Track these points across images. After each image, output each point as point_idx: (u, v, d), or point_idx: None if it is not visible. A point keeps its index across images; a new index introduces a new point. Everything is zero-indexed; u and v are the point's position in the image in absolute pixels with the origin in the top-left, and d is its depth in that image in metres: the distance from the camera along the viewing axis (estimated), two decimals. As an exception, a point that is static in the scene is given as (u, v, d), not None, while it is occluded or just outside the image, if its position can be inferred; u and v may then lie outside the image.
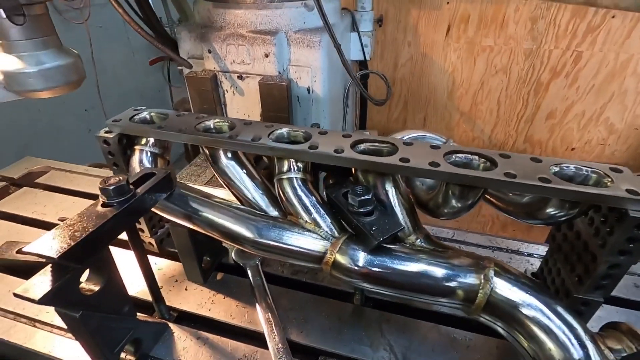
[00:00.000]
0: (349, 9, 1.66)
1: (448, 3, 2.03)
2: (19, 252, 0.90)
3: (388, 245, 0.64)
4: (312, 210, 0.68)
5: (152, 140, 0.81)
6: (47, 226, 1.06)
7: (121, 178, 0.61)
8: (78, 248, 0.52)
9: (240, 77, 1.44)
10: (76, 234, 0.53)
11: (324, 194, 0.73)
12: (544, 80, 2.12)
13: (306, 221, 0.68)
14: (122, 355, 0.68)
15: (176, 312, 0.82)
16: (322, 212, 0.68)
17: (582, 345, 0.54)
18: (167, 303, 0.81)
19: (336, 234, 0.67)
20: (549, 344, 0.55)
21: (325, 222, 0.67)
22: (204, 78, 1.44)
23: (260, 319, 0.78)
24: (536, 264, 0.90)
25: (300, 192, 0.70)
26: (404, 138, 0.73)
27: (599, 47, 1.93)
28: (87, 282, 0.58)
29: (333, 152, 0.66)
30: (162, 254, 0.96)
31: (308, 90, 1.42)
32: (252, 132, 0.73)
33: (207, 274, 0.88)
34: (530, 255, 0.93)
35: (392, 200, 0.69)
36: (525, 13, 1.94)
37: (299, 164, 0.71)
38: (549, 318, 0.56)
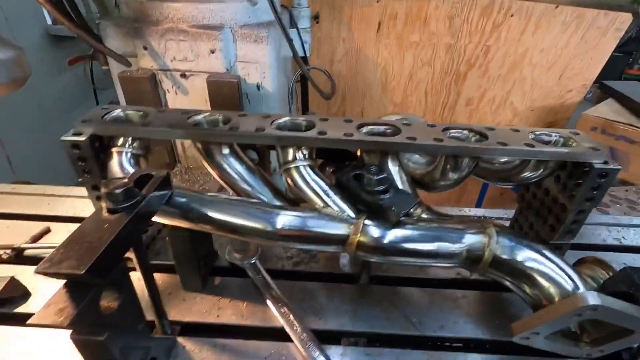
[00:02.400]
0: (286, 6, 1.67)
1: (378, 1, 2.17)
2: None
3: (404, 220, 0.68)
4: (326, 195, 0.69)
5: (130, 140, 0.73)
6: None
7: (126, 181, 0.55)
8: (102, 260, 0.45)
9: (183, 76, 1.36)
10: (93, 245, 0.46)
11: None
12: (462, 71, 2.40)
13: (322, 206, 0.69)
14: (137, 380, 0.60)
15: (179, 324, 0.75)
16: (336, 195, 0.70)
17: (572, 279, 0.65)
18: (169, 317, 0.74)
19: (352, 215, 0.68)
20: (547, 285, 0.65)
21: (341, 205, 0.69)
22: (141, 77, 1.31)
23: (276, 314, 0.76)
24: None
25: (312, 179, 0.70)
26: (393, 120, 0.78)
27: (502, 42, 2.25)
28: (105, 300, 0.51)
29: (344, 136, 0.68)
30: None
31: (257, 86, 1.40)
32: (252, 123, 0.71)
33: (205, 280, 0.83)
34: (499, 218, 1.06)
35: (397, 177, 0.73)
36: (444, 11, 2.17)
37: (305, 152, 0.71)
38: (543, 264, 0.66)
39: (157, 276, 0.84)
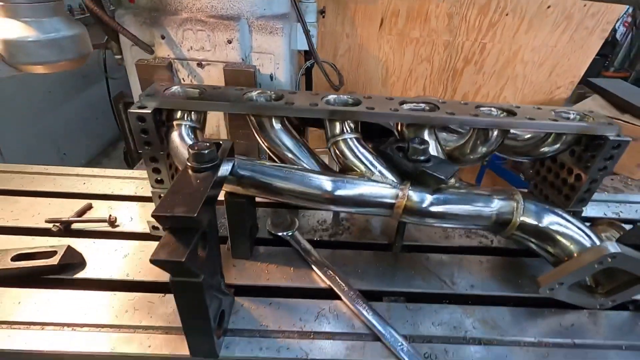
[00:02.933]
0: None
1: (381, -2, 2.26)
2: (16, 258, 0.77)
3: (443, 188, 0.76)
4: (372, 165, 0.76)
5: (188, 114, 0.78)
6: (29, 232, 0.90)
7: (209, 144, 0.60)
8: (204, 206, 0.51)
9: (199, 65, 1.40)
10: (195, 195, 0.52)
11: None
12: (459, 68, 2.52)
13: (372, 174, 0.76)
14: (209, 330, 0.66)
15: (232, 287, 0.81)
16: (381, 166, 0.77)
17: (590, 237, 0.74)
18: (222, 280, 0.79)
19: (397, 182, 0.76)
20: (568, 243, 0.74)
21: (386, 174, 0.76)
22: (158, 66, 1.35)
23: (322, 277, 0.82)
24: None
25: (360, 150, 0.77)
26: (427, 99, 0.86)
27: (498, 40, 2.38)
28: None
29: (391, 111, 0.75)
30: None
31: (271, 77, 1.45)
32: (305, 99, 0.77)
33: (251, 248, 0.88)
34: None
35: (434, 149, 0.81)
36: (444, 9, 2.27)
37: (351, 125, 0.78)
38: (564, 225, 0.75)
39: (206, 245, 0.89)
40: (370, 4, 2.29)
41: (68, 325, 0.70)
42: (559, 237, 0.75)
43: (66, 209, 0.97)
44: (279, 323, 0.73)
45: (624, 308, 0.82)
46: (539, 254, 0.79)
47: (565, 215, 0.76)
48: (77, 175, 1.12)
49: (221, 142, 0.68)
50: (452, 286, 0.84)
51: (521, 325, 0.76)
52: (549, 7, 2.21)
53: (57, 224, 0.89)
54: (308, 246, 0.90)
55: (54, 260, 0.77)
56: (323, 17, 2.29)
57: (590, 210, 1.12)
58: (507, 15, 2.29)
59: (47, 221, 0.90)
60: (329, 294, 0.80)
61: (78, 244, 0.87)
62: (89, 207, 0.98)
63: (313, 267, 0.85)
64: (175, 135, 0.76)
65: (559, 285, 0.73)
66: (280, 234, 0.92)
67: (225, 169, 0.63)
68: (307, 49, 1.79)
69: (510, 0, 2.20)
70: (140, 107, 0.74)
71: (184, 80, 1.39)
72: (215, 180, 0.58)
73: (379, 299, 0.81)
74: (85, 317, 0.72)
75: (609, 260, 0.67)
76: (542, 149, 0.85)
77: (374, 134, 0.88)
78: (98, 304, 0.74)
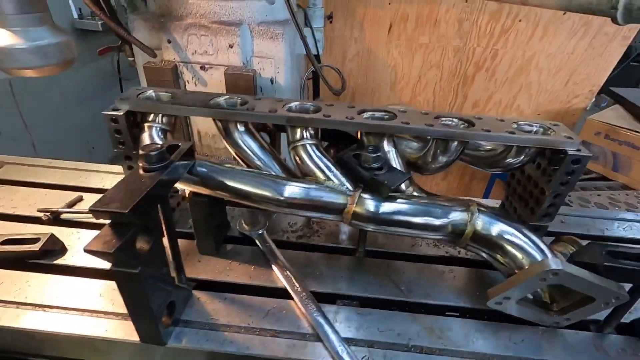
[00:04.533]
0: (301, 6, 1.77)
1: (390, 3, 2.26)
2: (5, 242, 0.85)
3: (396, 195, 0.77)
4: (328, 170, 0.79)
5: (160, 117, 0.84)
6: (22, 220, 1.00)
7: (159, 146, 0.65)
8: (142, 203, 0.56)
9: (202, 68, 1.46)
10: (134, 193, 0.57)
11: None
12: (470, 74, 2.47)
13: (324, 179, 0.78)
14: (159, 319, 0.71)
15: (195, 281, 0.86)
16: (337, 171, 0.79)
17: (542, 252, 0.73)
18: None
19: (350, 188, 0.78)
20: (519, 255, 0.73)
21: (341, 179, 0.78)
22: (164, 68, 1.43)
23: (279, 277, 0.85)
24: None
25: (316, 156, 0.80)
26: (388, 107, 0.87)
27: (510, 46, 2.31)
28: (139, 242, 0.61)
29: (346, 119, 0.77)
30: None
31: (271, 81, 1.50)
32: (266, 105, 0.81)
33: (218, 245, 0.93)
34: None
35: (392, 157, 0.82)
36: (454, 15, 2.24)
37: (311, 131, 0.81)
38: (517, 237, 0.74)
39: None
40: (379, 9, 2.30)
41: (40, 306, 0.77)
42: (509, 248, 0.74)
43: (59, 200, 1.05)
44: (228, 318, 0.77)
45: (585, 328, 0.80)
46: (495, 266, 0.79)
47: (519, 227, 0.75)
48: (75, 169, 1.21)
49: (180, 144, 0.73)
50: (408, 294, 0.84)
51: (468, 337, 0.75)
52: (565, 12, 2.13)
53: (47, 214, 0.98)
54: (272, 246, 0.93)
55: (37, 247, 0.85)
56: (330, 22, 2.32)
57: (574, 224, 1.09)
58: (520, 21, 2.23)
59: (38, 210, 0.99)
60: (282, 294, 0.83)
61: (63, 232, 0.95)
62: (80, 199, 1.06)
63: (273, 266, 0.88)
64: (145, 136, 0.82)
65: (506, 300, 0.72)
66: (247, 233, 0.96)
67: (177, 170, 0.68)
68: (314, 52, 1.84)
69: (523, 6, 2.14)
70: (113, 110, 0.80)
71: (188, 83, 1.46)
72: (162, 179, 0.63)
73: (333, 301, 0.83)
74: (57, 299, 0.79)
75: (552, 276, 0.66)
76: (508, 160, 0.84)
77: (340, 141, 0.91)
78: (71, 289, 0.81)
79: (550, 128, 0.79)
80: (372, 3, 2.28)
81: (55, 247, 0.89)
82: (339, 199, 0.76)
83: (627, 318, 0.80)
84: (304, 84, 1.83)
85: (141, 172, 0.63)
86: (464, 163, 0.93)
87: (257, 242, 0.95)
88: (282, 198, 0.75)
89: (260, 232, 0.97)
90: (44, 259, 0.87)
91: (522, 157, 0.81)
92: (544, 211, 0.83)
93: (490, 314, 0.80)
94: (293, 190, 0.76)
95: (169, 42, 1.42)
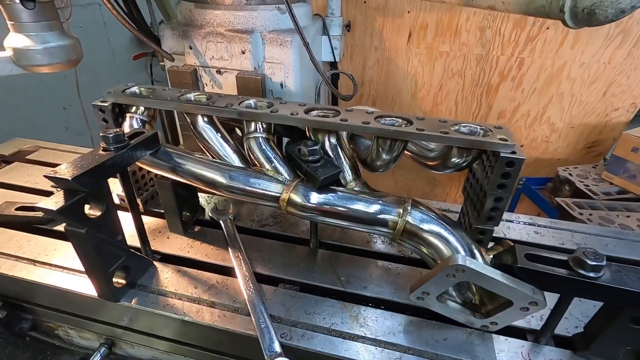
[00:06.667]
0: (320, 14, 1.86)
1: (409, 12, 2.28)
2: (18, 209, 1.03)
3: (333, 187, 0.82)
4: (272, 161, 0.86)
5: (141, 109, 0.97)
6: (41, 193, 1.19)
7: (119, 130, 0.77)
8: (86, 175, 0.67)
9: (218, 72, 1.60)
10: (84, 165, 0.69)
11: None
12: (494, 83, 2.38)
13: (268, 169, 0.85)
14: (115, 279, 0.82)
15: (160, 254, 0.97)
16: (281, 162, 0.86)
17: (468, 247, 0.73)
18: (152, 248, 0.96)
19: (288, 178, 0.84)
20: (443, 248, 0.74)
21: (284, 170, 0.85)
22: (185, 72, 1.59)
23: (231, 257, 0.94)
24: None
25: (263, 147, 0.87)
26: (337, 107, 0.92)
27: (538, 54, 2.21)
28: (90, 209, 0.73)
29: (289, 115, 0.84)
30: (147, 213, 1.10)
31: (281, 85, 1.59)
32: (226, 101, 0.90)
33: (187, 226, 1.04)
34: (446, 210, 1.13)
35: (336, 153, 0.87)
36: (475, 23, 2.20)
37: (264, 125, 0.89)
38: (445, 233, 0.75)
39: (153, 219, 1.08)
40: (398, 17, 2.32)
41: (32, 260, 0.93)
42: (436, 242, 0.75)
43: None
44: (177, 287, 0.86)
45: (522, 337, 0.77)
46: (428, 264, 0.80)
47: (449, 225, 0.76)
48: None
49: (145, 131, 0.85)
50: (345, 284, 0.88)
51: (391, 329, 0.77)
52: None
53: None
54: (234, 231, 1.02)
55: (41, 214, 1.02)
56: (348, 30, 2.39)
57: (550, 238, 1.04)
58: (547, 29, 2.12)
59: (52, 186, 1.18)
60: (230, 272, 0.91)
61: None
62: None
63: (229, 248, 0.97)
64: (125, 125, 0.95)
65: (426, 295, 0.73)
66: (215, 218, 1.06)
67: (134, 151, 0.79)
68: (331, 60, 1.92)
69: (549, 13, 2.04)
70: (102, 101, 0.95)
71: (206, 85, 1.62)
72: (115, 157, 0.74)
73: (276, 284, 0.90)
74: (47, 257, 0.94)
75: (457, 272, 0.66)
76: (453, 160, 0.85)
77: (299, 138, 0.97)
78: (60, 250, 0.96)
79: (490, 131, 0.79)
80: (390, 12, 2.31)
81: (56, 216, 1.05)
82: (276, 187, 0.82)
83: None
84: (319, 89, 1.90)
85: (100, 151, 0.75)
86: (421, 165, 0.94)
87: (222, 225, 1.04)
88: (226, 183, 0.84)
89: (226, 217, 1.06)
90: (49, 225, 1.04)
91: (465, 157, 0.82)
92: (487, 214, 0.82)
93: (430, 314, 0.81)
94: (236, 177, 0.84)
95: (190, 48, 1.58)
